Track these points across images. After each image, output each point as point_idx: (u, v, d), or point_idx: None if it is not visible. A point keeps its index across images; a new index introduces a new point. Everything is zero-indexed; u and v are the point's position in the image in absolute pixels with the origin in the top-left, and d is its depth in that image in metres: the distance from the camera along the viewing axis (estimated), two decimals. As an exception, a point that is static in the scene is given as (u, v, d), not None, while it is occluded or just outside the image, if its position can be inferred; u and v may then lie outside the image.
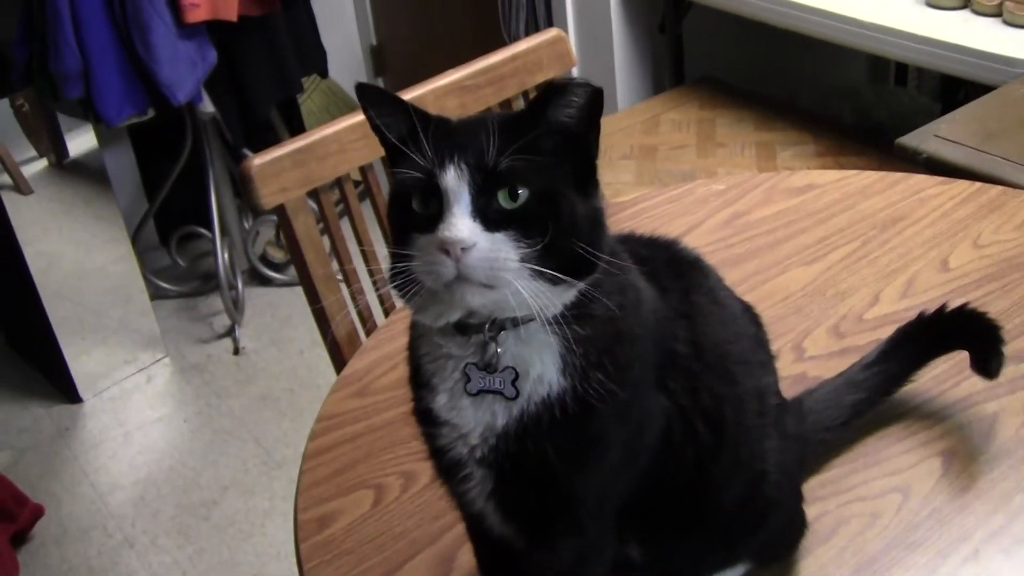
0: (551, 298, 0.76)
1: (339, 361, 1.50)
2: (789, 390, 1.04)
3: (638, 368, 0.83)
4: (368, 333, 1.48)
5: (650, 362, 0.84)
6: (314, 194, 1.52)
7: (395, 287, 0.78)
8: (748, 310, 0.97)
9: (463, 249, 0.73)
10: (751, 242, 1.45)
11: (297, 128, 3.28)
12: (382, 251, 1.54)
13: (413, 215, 0.77)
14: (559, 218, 0.76)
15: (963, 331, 1.10)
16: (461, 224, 0.74)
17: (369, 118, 0.81)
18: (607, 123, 2.53)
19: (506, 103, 1.69)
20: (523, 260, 0.74)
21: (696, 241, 1.26)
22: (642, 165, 2.49)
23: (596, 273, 0.78)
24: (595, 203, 0.80)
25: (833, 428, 1.09)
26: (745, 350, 0.92)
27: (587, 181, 0.79)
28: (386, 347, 1.32)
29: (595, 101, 0.77)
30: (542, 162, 0.76)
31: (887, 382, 1.12)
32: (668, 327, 0.86)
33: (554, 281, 0.75)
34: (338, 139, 1.52)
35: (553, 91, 0.77)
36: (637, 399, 0.83)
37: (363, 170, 1.57)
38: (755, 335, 0.95)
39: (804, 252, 1.42)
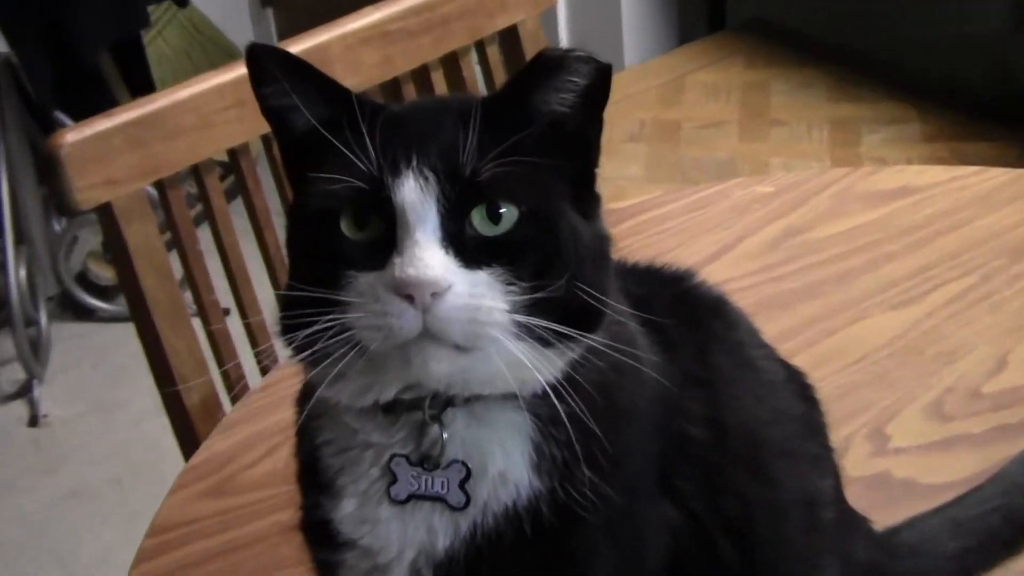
0: (542, 365, 0.76)
1: (189, 441, 1.50)
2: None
3: (638, 459, 0.83)
4: (234, 400, 1.48)
5: (652, 451, 0.85)
6: (159, 188, 1.53)
7: (300, 351, 0.78)
8: (796, 377, 0.98)
9: (434, 294, 0.73)
10: (810, 273, 1.46)
11: (140, 83, 3.27)
12: (257, 271, 1.55)
13: (343, 243, 0.77)
14: (558, 249, 0.76)
15: None
16: (430, 257, 0.73)
17: (261, 97, 0.81)
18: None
19: (451, 58, 1.69)
20: (512, 310, 0.75)
21: (726, 271, 1.27)
22: (656, 151, 2.50)
23: (602, 327, 0.78)
24: (599, 228, 0.81)
25: None
26: (789, 437, 0.93)
27: (586, 196, 0.81)
28: (259, 421, 1.32)
29: (600, 83, 0.78)
30: (531, 168, 0.77)
31: (1011, 526, 1.12)
32: (676, 400, 0.86)
33: (547, 341, 0.76)
34: (197, 106, 1.52)
35: (542, 68, 0.78)
36: (635, 504, 0.83)
37: (233, 153, 1.58)
38: (806, 415, 0.96)
39: (892, 290, 1.43)
